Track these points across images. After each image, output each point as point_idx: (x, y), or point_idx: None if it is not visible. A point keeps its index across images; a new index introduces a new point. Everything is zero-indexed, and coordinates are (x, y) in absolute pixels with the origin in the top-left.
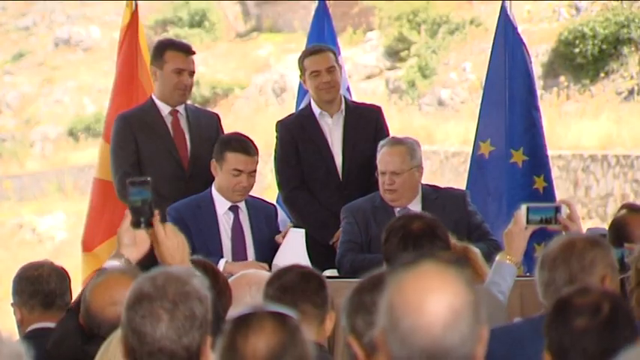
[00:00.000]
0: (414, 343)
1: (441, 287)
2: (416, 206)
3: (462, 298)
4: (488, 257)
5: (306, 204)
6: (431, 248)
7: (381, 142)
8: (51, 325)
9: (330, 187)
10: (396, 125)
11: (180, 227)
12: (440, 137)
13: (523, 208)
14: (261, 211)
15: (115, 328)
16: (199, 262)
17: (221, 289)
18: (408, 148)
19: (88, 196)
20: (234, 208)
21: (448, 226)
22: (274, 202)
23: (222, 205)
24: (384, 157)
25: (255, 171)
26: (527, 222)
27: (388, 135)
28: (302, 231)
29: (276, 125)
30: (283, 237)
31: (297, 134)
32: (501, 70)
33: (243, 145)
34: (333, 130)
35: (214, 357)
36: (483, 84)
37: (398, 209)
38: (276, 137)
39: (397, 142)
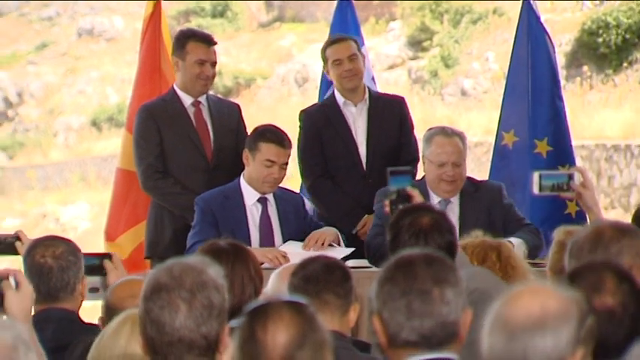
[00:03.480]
0: (497, 330)
1: (542, 293)
2: (454, 199)
3: (558, 308)
4: (532, 244)
5: (330, 193)
6: (441, 241)
7: (430, 133)
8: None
9: (353, 177)
10: (419, 115)
11: (208, 218)
12: (462, 127)
13: (536, 175)
14: (288, 202)
15: None
16: (233, 245)
17: (256, 273)
18: (462, 138)
19: (110, 186)
20: (262, 200)
21: (484, 220)
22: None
23: (250, 196)
24: (444, 147)
25: (286, 164)
26: (540, 189)
27: (412, 126)
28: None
29: (300, 114)
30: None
31: (321, 123)
32: (524, 59)
33: (278, 136)
34: (357, 119)
35: (232, 349)
36: (506, 74)
37: (439, 200)
38: (300, 126)
39: (452, 132)
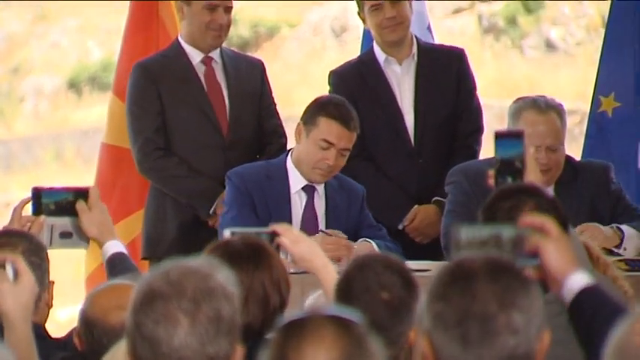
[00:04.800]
0: None
1: None
2: (549, 188)
3: None
4: None
5: (368, 178)
6: None
7: (518, 106)
8: None
9: (399, 155)
10: (492, 74)
11: (246, 199)
12: (548, 90)
13: None
14: (342, 191)
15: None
16: (250, 244)
17: (280, 278)
18: (560, 113)
19: (93, 166)
20: (308, 189)
21: (585, 213)
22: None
23: (295, 181)
24: (537, 126)
25: (347, 150)
26: None
27: (474, 86)
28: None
29: (330, 76)
30: None
31: (356, 87)
32: (629, 2)
33: (343, 112)
34: (403, 80)
35: None
36: (606, 21)
37: None
38: (330, 91)
39: (547, 106)
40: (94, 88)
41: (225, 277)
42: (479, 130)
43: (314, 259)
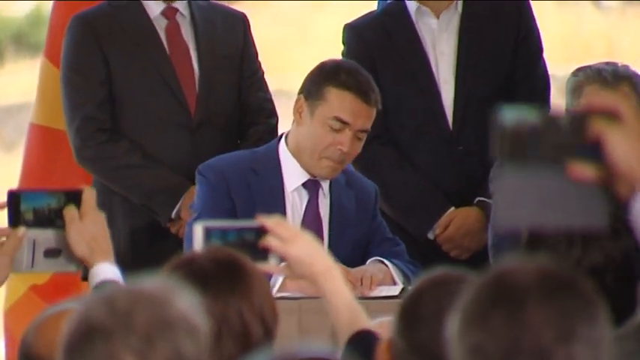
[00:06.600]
0: None
1: None
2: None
3: None
4: None
5: (389, 168)
6: (613, 249)
7: (577, 79)
8: None
9: (431, 140)
10: (556, 29)
11: (224, 202)
12: (631, 53)
13: None
14: (349, 195)
15: None
16: (223, 261)
17: (264, 303)
18: (636, 86)
19: (19, 153)
20: (310, 185)
21: None
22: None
23: (293, 175)
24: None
25: (366, 132)
26: None
27: (539, 47)
28: None
29: (344, 31)
30: None
31: (379, 47)
32: None
33: (360, 81)
34: (440, 39)
35: None
36: None
37: None
38: (343, 52)
39: (616, 78)
40: (20, 50)
41: (188, 305)
42: (543, 102)
43: (315, 262)
